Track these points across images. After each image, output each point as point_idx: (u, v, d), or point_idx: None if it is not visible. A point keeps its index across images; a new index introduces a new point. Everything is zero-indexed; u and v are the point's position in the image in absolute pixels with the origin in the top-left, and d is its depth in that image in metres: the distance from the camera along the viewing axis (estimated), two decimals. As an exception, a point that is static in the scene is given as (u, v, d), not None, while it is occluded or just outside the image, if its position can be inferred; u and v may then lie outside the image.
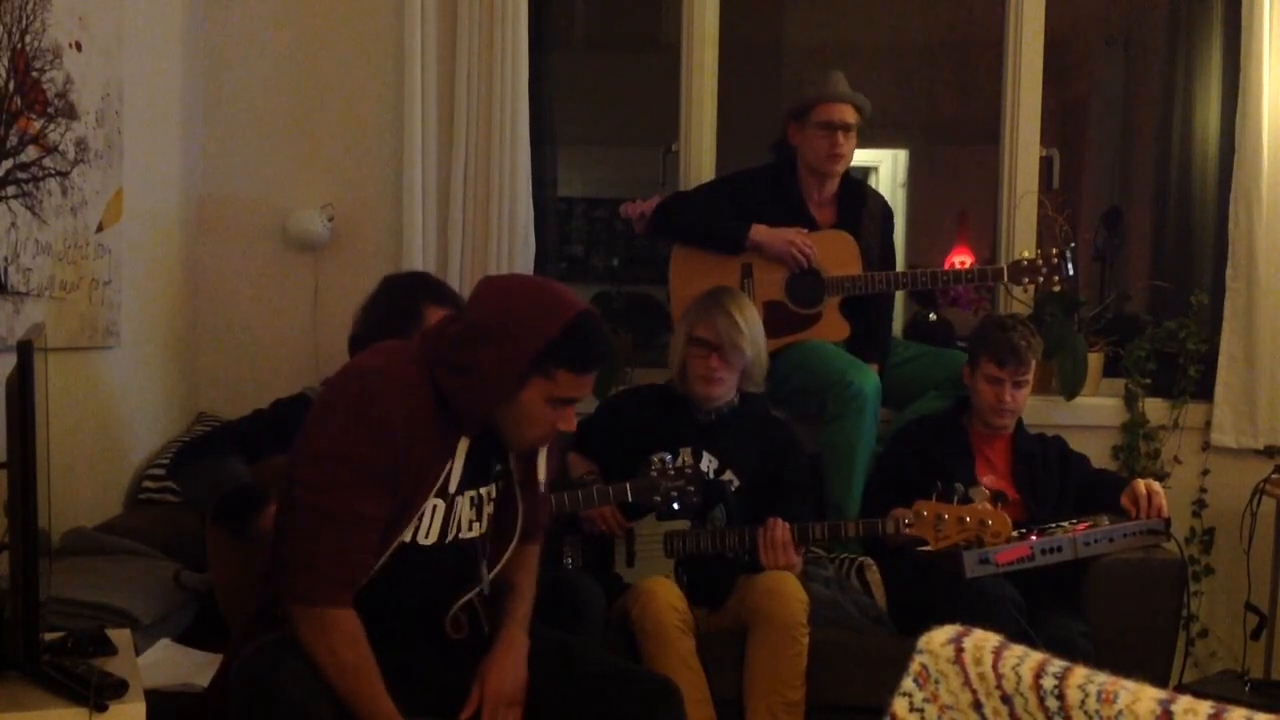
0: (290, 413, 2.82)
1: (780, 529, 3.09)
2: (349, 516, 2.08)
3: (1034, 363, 3.35)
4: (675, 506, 3.09)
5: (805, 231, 3.64)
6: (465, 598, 2.28)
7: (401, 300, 2.86)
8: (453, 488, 2.20)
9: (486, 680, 2.22)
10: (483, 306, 2.19)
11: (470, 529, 2.27)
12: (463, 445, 2.19)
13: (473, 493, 2.26)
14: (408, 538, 2.18)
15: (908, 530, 3.05)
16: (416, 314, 2.78)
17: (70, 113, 3.01)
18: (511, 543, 2.31)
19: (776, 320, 3.64)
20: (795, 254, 3.60)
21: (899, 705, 1.17)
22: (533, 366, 2.11)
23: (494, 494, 2.31)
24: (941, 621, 1.19)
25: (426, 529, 2.20)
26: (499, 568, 2.31)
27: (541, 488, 2.40)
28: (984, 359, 3.35)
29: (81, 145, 3.07)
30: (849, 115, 3.66)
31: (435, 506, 2.19)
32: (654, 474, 3.08)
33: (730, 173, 3.95)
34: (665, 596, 2.99)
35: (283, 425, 2.71)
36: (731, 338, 3.19)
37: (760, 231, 3.63)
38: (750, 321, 3.24)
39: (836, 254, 3.66)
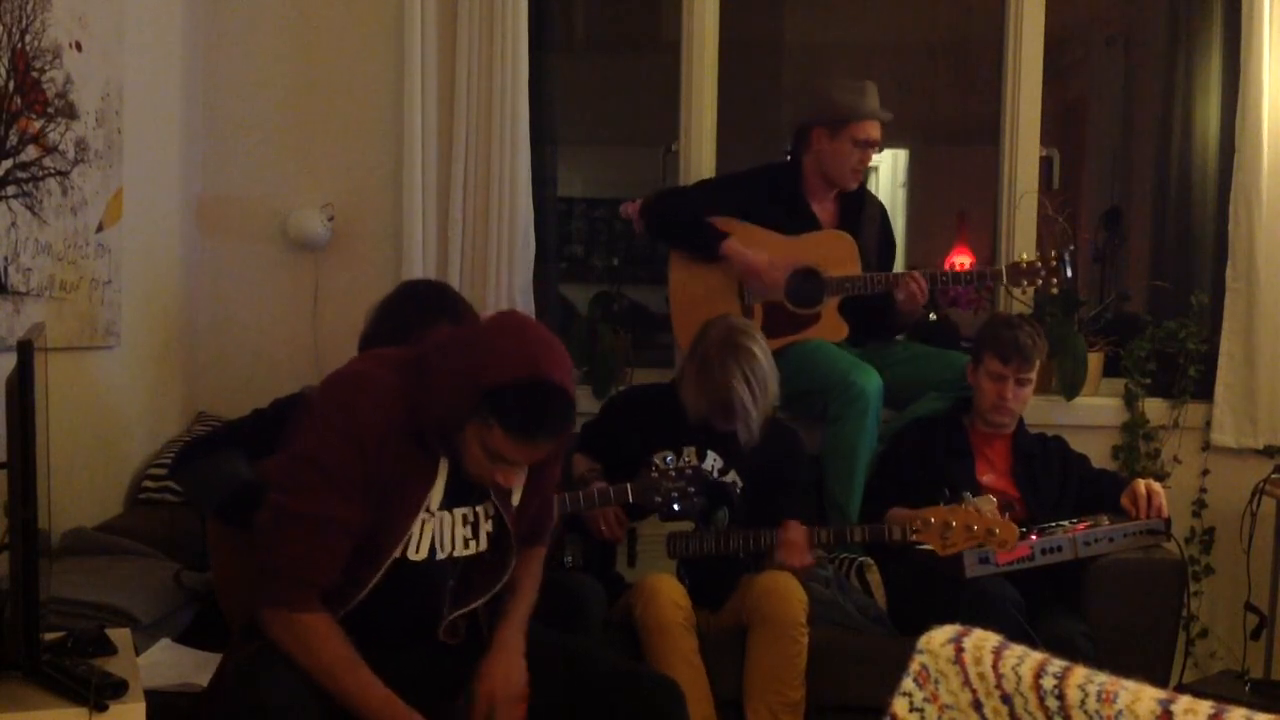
0: (289, 412, 2.81)
1: (796, 530, 3.08)
2: (317, 519, 2.08)
3: (1038, 362, 3.35)
4: (676, 508, 3.08)
5: (779, 268, 3.61)
6: (465, 609, 2.27)
7: (421, 313, 2.80)
8: (435, 504, 2.19)
9: (486, 681, 2.21)
10: (476, 328, 2.19)
11: (467, 547, 2.25)
12: (445, 461, 2.18)
13: (465, 510, 2.24)
14: (398, 553, 2.17)
15: (915, 537, 3.05)
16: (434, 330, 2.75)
17: (70, 113, 3.01)
18: (511, 561, 2.29)
19: (776, 321, 3.64)
20: (764, 282, 3.60)
21: (899, 705, 1.17)
22: (473, 406, 2.06)
23: (491, 511, 2.29)
24: (941, 621, 1.19)
25: (416, 544, 2.19)
26: (499, 586, 2.30)
27: (543, 491, 2.40)
28: (988, 355, 3.35)
29: (81, 145, 3.07)
30: (880, 132, 3.69)
31: (423, 522, 2.19)
32: (655, 475, 3.08)
33: (732, 172, 3.95)
34: (669, 594, 2.99)
35: (282, 424, 2.70)
36: (746, 416, 3.15)
37: (733, 247, 3.61)
38: (760, 378, 3.13)
39: (836, 255, 3.66)
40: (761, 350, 3.17)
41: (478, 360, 2.06)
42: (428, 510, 2.18)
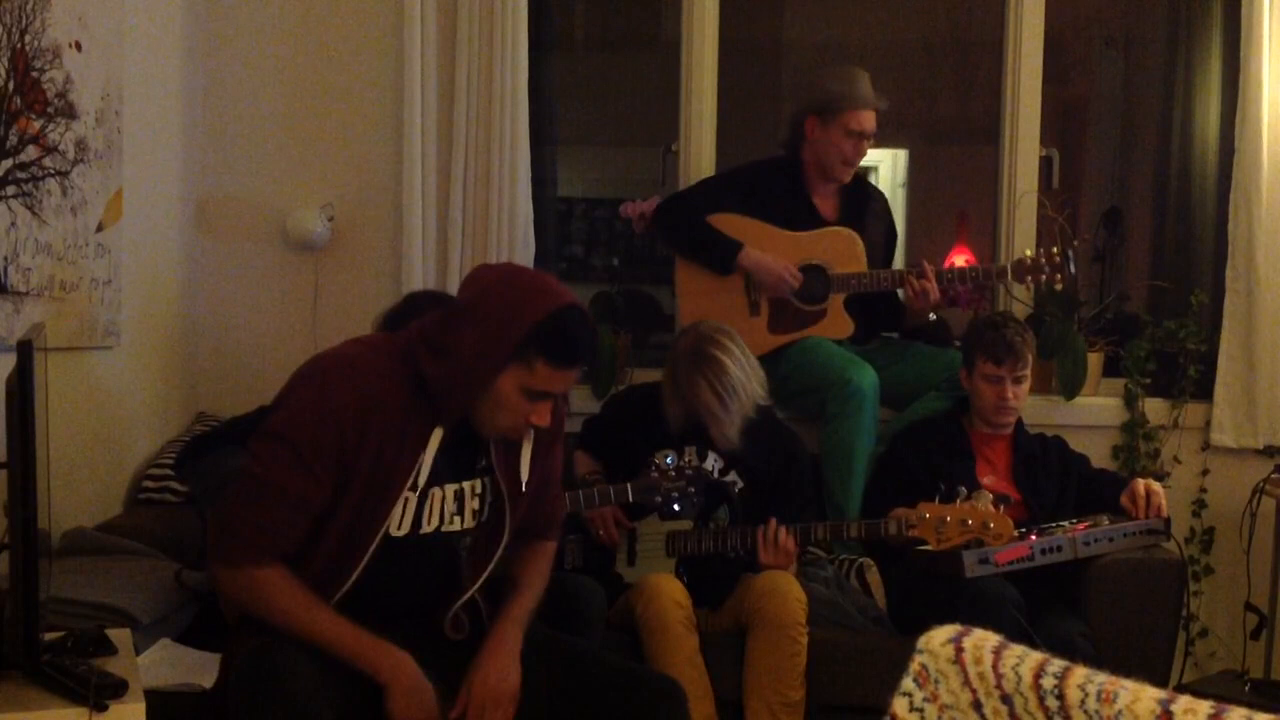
0: None
1: (779, 529, 3.09)
2: (276, 489, 2.12)
3: (1030, 357, 3.35)
4: (676, 508, 3.09)
5: (792, 269, 3.62)
6: (463, 598, 2.28)
7: None
8: (422, 480, 2.20)
9: (474, 680, 2.21)
10: (471, 289, 2.21)
11: (451, 522, 2.27)
12: (435, 437, 2.19)
13: (455, 486, 2.26)
14: (383, 530, 2.18)
15: (911, 532, 3.05)
16: None
17: (70, 113, 3.01)
18: (502, 541, 2.30)
19: (782, 316, 3.64)
20: (785, 285, 3.60)
21: (899, 705, 1.17)
22: (513, 352, 2.11)
23: (479, 489, 2.30)
24: (941, 621, 1.19)
25: (399, 521, 2.20)
26: (491, 566, 2.30)
27: (550, 484, 2.40)
28: (980, 359, 3.35)
29: (81, 145, 3.07)
30: (874, 123, 3.66)
31: (406, 499, 2.20)
32: (655, 475, 3.08)
33: (734, 166, 3.95)
34: (670, 593, 2.99)
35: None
36: (718, 424, 3.15)
37: (750, 256, 3.61)
38: (729, 385, 3.11)
39: (842, 251, 3.66)
40: (731, 357, 3.14)
41: (505, 310, 2.11)
42: (415, 487, 2.19)
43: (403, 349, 2.19)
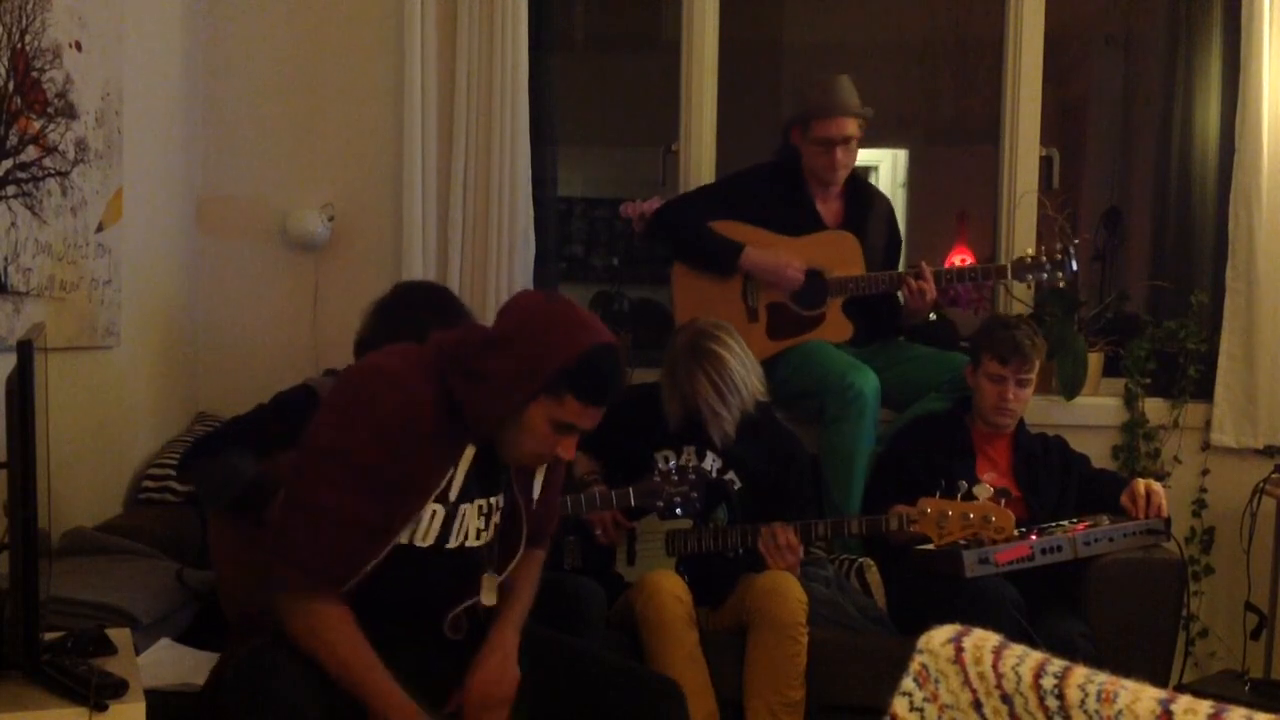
0: (292, 404, 2.82)
1: (780, 532, 3.08)
2: (339, 514, 2.09)
3: (1037, 362, 3.35)
4: (678, 511, 3.08)
5: (795, 263, 3.62)
6: (466, 603, 2.28)
7: (418, 315, 2.80)
8: (453, 495, 2.20)
9: (472, 680, 2.21)
10: (510, 317, 2.21)
11: (478, 538, 2.27)
12: (468, 454, 2.20)
13: (482, 502, 2.26)
14: (404, 540, 2.18)
15: (912, 528, 3.05)
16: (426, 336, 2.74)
17: (70, 113, 3.01)
18: (517, 552, 2.32)
19: (780, 322, 3.64)
20: (789, 280, 3.61)
21: (899, 705, 1.17)
22: (544, 385, 2.12)
23: (501, 504, 2.31)
24: (941, 621, 1.19)
25: (424, 532, 2.20)
26: (504, 576, 2.31)
27: (548, 496, 2.41)
28: (987, 356, 3.35)
29: (81, 145, 3.07)
30: (848, 128, 3.63)
31: (435, 512, 2.20)
32: (656, 479, 3.07)
33: (733, 172, 3.95)
34: (671, 589, 2.99)
35: (286, 417, 2.71)
36: (718, 420, 3.16)
37: (751, 257, 3.62)
38: (729, 380, 3.12)
39: (840, 255, 3.66)
40: (731, 352, 3.15)
41: (542, 345, 2.12)
42: (446, 501, 2.19)
43: (435, 364, 2.18)
